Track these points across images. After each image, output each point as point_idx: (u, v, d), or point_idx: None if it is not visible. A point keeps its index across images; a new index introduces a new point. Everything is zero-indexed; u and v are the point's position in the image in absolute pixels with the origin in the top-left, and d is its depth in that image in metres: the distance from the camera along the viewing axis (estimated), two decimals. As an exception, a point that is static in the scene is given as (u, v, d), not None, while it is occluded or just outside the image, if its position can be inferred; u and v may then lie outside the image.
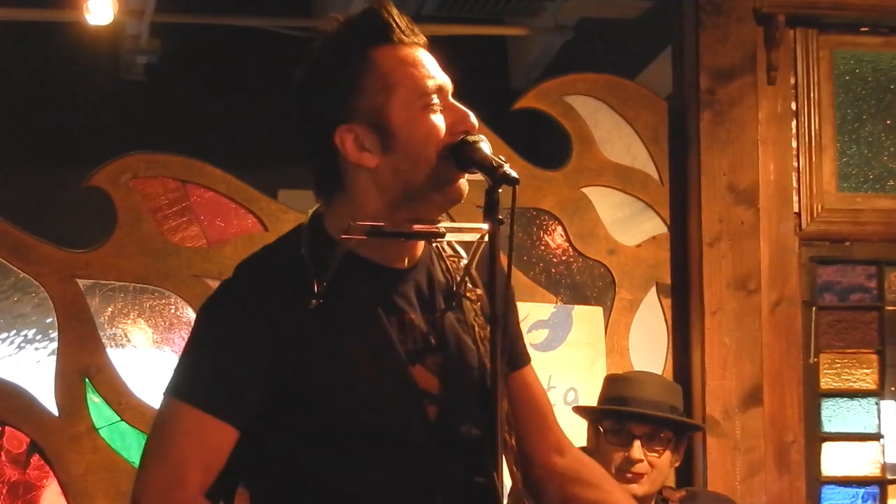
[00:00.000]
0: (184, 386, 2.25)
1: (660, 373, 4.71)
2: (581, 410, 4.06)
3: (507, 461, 2.31)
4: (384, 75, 2.27)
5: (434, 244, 2.35)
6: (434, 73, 2.29)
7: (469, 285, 2.35)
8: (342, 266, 2.27)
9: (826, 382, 4.92)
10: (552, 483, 2.41)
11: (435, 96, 2.27)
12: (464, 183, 2.27)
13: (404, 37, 2.29)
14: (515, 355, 2.42)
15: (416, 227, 2.28)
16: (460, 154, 2.23)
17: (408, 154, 2.26)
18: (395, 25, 2.28)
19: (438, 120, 2.26)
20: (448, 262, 2.37)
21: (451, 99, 2.30)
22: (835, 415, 4.93)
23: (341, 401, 2.22)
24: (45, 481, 4.49)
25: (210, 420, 2.20)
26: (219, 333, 2.26)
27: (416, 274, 2.32)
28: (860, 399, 4.95)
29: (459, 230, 2.33)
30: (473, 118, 2.28)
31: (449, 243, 2.38)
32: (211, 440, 2.21)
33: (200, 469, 2.19)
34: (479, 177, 2.25)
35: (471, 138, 2.23)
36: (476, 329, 2.32)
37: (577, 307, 4.85)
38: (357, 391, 2.23)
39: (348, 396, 2.22)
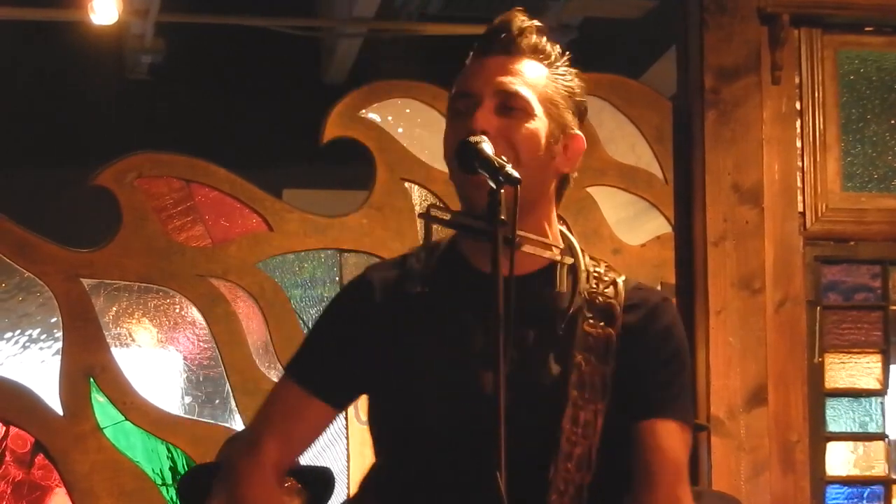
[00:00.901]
0: (290, 361, 2.43)
1: (664, 372, 4.71)
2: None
3: (556, 492, 2.27)
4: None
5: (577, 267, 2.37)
6: (470, 79, 2.33)
7: (596, 320, 2.32)
8: (447, 264, 2.36)
9: (830, 382, 4.92)
10: None
11: (456, 104, 2.32)
12: (476, 184, 2.23)
13: (487, 47, 2.34)
14: (649, 403, 2.33)
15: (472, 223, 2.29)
16: (462, 156, 2.22)
17: (446, 161, 2.35)
18: (486, 38, 2.35)
19: (453, 125, 2.32)
20: (593, 289, 2.35)
21: (482, 103, 2.30)
22: (839, 414, 4.93)
23: (405, 390, 2.30)
24: (50, 482, 4.50)
25: (301, 393, 2.35)
26: (326, 318, 2.43)
27: (523, 286, 2.24)
28: (865, 399, 4.95)
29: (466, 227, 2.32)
30: (478, 122, 2.27)
31: (603, 273, 2.38)
32: (298, 412, 2.35)
33: (280, 438, 2.34)
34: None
35: (472, 139, 2.22)
36: (576, 358, 2.28)
37: (581, 307, 4.84)
38: (421, 383, 2.28)
39: (412, 387, 2.29)
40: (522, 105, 2.31)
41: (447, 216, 2.29)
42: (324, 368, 2.37)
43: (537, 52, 2.35)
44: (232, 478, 2.37)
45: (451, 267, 2.36)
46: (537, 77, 2.34)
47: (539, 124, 2.32)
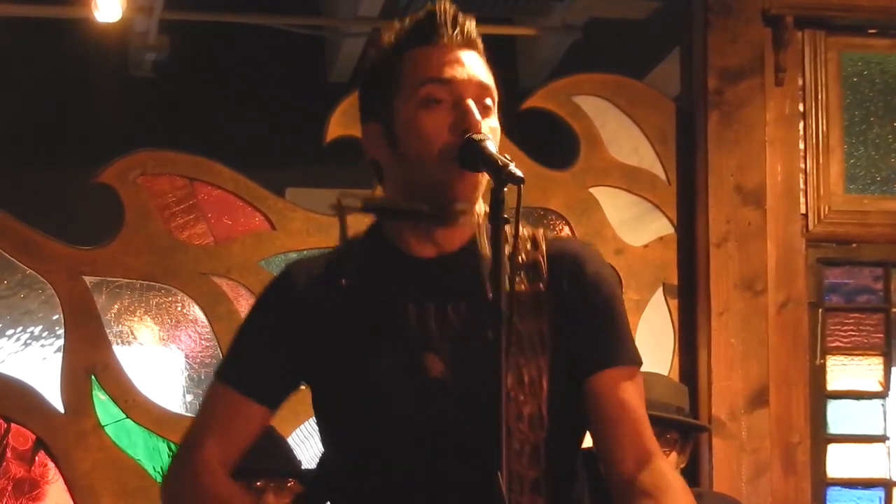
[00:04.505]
0: (220, 365, 2.44)
1: (666, 373, 4.71)
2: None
3: (513, 452, 2.25)
4: (398, 74, 2.29)
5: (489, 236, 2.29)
6: (448, 69, 2.27)
7: (522, 276, 2.30)
8: (371, 252, 2.33)
9: (832, 384, 4.92)
10: (620, 494, 2.28)
11: (433, 91, 2.26)
12: (474, 181, 2.24)
13: (436, 37, 2.30)
14: (594, 355, 2.30)
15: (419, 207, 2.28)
16: (465, 153, 2.21)
17: (410, 153, 2.28)
18: (432, 26, 2.30)
19: (434, 117, 2.26)
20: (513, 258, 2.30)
21: (466, 97, 2.26)
22: (841, 416, 4.93)
23: (348, 382, 2.28)
24: (51, 477, 4.50)
25: (233, 395, 2.35)
26: (253, 318, 2.42)
27: (451, 263, 2.29)
28: (866, 401, 4.95)
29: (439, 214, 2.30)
30: (477, 114, 2.24)
31: (529, 243, 2.35)
32: (233, 413, 2.35)
33: (220, 439, 2.33)
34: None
35: (476, 137, 2.21)
36: (513, 324, 2.25)
37: (583, 307, 4.84)
38: (364, 373, 2.27)
39: (355, 378, 2.28)
40: (493, 101, 2.32)
41: (359, 204, 2.31)
42: (255, 371, 2.36)
43: (479, 45, 2.35)
44: (178, 479, 2.36)
45: (381, 255, 2.33)
46: (487, 70, 2.34)
47: (496, 120, 2.32)
